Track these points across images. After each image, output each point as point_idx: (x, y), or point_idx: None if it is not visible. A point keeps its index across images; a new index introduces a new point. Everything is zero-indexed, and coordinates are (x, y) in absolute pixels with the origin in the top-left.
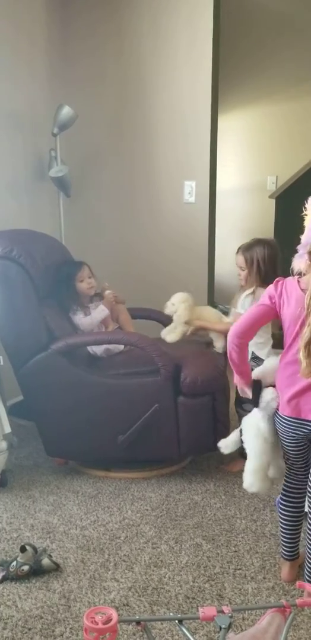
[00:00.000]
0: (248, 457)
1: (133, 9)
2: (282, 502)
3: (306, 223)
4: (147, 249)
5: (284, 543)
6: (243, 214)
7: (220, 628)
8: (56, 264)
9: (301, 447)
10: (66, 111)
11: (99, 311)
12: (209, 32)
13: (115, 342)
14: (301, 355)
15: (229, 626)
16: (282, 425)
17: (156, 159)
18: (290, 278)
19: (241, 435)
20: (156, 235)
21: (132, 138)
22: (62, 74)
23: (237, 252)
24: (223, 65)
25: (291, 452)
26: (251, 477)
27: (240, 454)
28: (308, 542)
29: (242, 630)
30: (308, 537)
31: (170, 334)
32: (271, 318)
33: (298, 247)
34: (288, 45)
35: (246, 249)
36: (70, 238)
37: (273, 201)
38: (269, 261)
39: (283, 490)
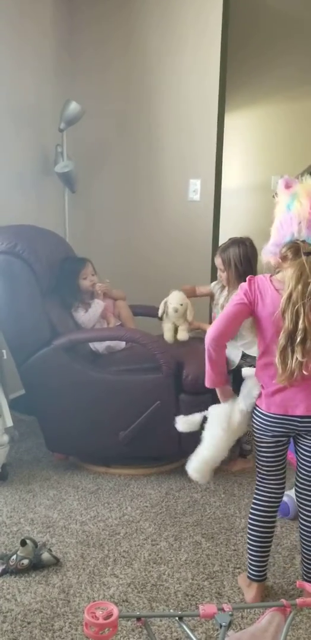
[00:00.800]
0: (204, 444)
1: (141, 4)
2: (253, 515)
3: (276, 211)
4: (150, 246)
5: (254, 561)
6: (247, 213)
7: (220, 626)
8: (59, 260)
9: (281, 446)
10: (73, 107)
11: (96, 306)
12: (218, 29)
13: (117, 339)
14: (277, 361)
15: (230, 624)
16: (264, 423)
17: (161, 156)
18: (261, 276)
19: (204, 421)
20: (160, 233)
21: (137, 135)
22: (69, 69)
23: (216, 254)
24: (230, 64)
25: (270, 452)
26: (200, 465)
27: (240, 454)
28: (302, 541)
29: (241, 628)
30: (302, 536)
31: (182, 332)
32: (246, 317)
33: (270, 242)
34: (294, 47)
35: (222, 250)
36: (74, 234)
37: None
38: (245, 260)
39: (255, 502)
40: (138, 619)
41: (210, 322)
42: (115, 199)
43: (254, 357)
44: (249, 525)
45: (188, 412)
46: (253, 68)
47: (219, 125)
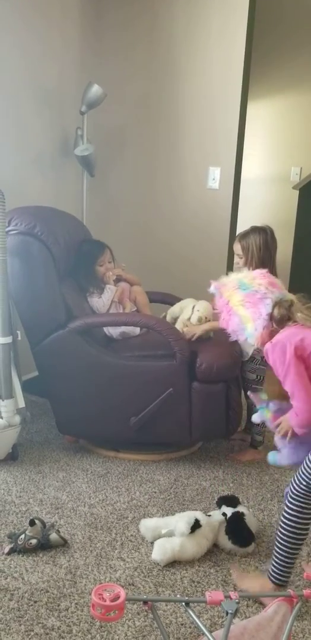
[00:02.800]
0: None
1: None
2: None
3: (232, 305)
4: (167, 233)
5: (287, 566)
6: (265, 203)
7: (226, 613)
8: (77, 244)
9: None
10: (95, 90)
11: (108, 291)
12: (243, 15)
13: (132, 324)
14: None
15: (236, 612)
16: None
17: (181, 143)
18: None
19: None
20: (177, 220)
21: (158, 120)
22: (94, 51)
23: (235, 240)
24: (254, 52)
25: None
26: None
27: (251, 444)
28: (280, 525)
29: (246, 617)
30: (282, 519)
31: (193, 316)
32: None
33: (253, 329)
34: None
35: (242, 236)
36: (91, 217)
37: (296, 192)
38: (265, 248)
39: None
40: (145, 602)
41: None
42: (133, 184)
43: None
44: (284, 523)
45: (200, 401)
46: (277, 57)
47: (241, 114)
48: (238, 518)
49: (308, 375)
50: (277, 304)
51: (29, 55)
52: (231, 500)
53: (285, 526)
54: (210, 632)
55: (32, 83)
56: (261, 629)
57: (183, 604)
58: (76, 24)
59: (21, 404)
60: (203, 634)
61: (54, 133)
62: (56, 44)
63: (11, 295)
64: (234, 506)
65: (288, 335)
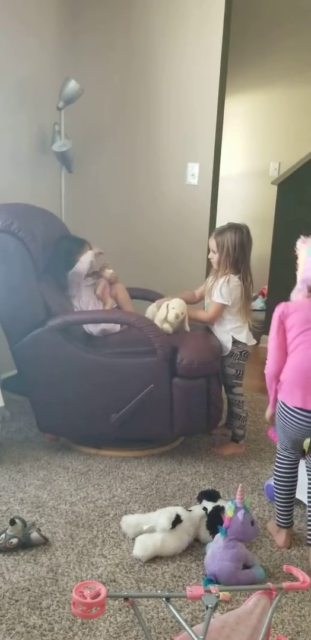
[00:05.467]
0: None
1: None
2: (277, 478)
3: (300, 261)
4: (147, 229)
5: (281, 512)
6: (244, 199)
7: (207, 607)
8: (54, 240)
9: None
10: (72, 85)
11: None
12: (220, 12)
13: (113, 321)
14: None
15: (216, 606)
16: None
17: (160, 138)
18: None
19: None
20: (157, 216)
21: (137, 116)
22: (70, 46)
23: (211, 235)
24: (232, 47)
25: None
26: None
27: (233, 438)
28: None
29: (227, 610)
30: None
31: (169, 314)
32: None
33: (298, 282)
34: (296, 33)
35: (218, 233)
36: (70, 214)
37: (275, 187)
38: (239, 247)
39: (278, 471)
40: (126, 598)
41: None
42: (112, 180)
43: (245, 343)
44: (275, 483)
45: (181, 397)
46: (255, 52)
47: (219, 110)
48: (218, 512)
49: (284, 339)
50: None
51: (2, 53)
52: (212, 495)
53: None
54: (191, 626)
55: (5, 80)
56: (241, 621)
57: (164, 599)
58: (51, 24)
59: (0, 402)
60: (184, 628)
61: (31, 129)
62: (31, 44)
63: None
64: (214, 500)
65: (291, 303)
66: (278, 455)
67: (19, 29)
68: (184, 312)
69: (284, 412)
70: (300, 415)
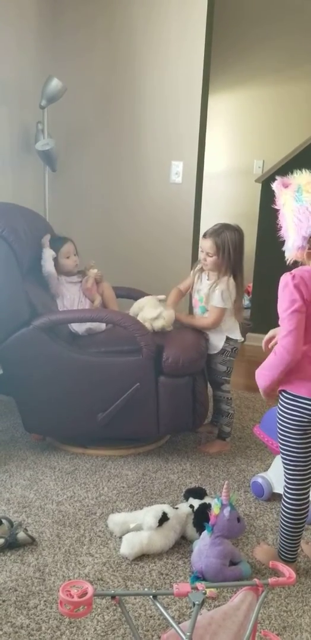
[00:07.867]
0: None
1: None
2: (289, 502)
3: (285, 212)
4: (131, 228)
5: (292, 545)
6: (228, 197)
7: (194, 604)
8: (38, 239)
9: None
10: (55, 83)
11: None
12: (203, 10)
13: (98, 320)
14: None
15: (203, 602)
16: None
17: (144, 137)
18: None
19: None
20: (141, 214)
21: (120, 115)
22: (51, 46)
23: (204, 236)
24: (215, 46)
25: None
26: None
27: (219, 436)
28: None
29: (214, 607)
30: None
31: (156, 322)
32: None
33: (291, 239)
34: (278, 31)
35: (216, 234)
36: (54, 213)
37: (259, 185)
38: (240, 248)
39: (290, 491)
40: (113, 597)
41: (190, 309)
42: (96, 178)
43: (236, 339)
44: (284, 508)
45: (167, 395)
46: (238, 50)
47: (202, 107)
48: (205, 510)
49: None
50: None
51: None
52: (198, 493)
53: (285, 512)
54: (178, 623)
55: None
56: (228, 618)
57: (151, 597)
58: (31, 23)
59: None
60: (171, 625)
61: (14, 128)
62: (12, 39)
63: None
64: (201, 498)
65: (300, 271)
66: (288, 472)
67: None
68: (170, 329)
69: (300, 405)
70: None
